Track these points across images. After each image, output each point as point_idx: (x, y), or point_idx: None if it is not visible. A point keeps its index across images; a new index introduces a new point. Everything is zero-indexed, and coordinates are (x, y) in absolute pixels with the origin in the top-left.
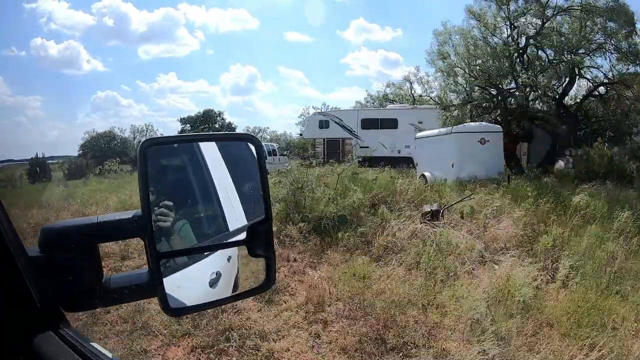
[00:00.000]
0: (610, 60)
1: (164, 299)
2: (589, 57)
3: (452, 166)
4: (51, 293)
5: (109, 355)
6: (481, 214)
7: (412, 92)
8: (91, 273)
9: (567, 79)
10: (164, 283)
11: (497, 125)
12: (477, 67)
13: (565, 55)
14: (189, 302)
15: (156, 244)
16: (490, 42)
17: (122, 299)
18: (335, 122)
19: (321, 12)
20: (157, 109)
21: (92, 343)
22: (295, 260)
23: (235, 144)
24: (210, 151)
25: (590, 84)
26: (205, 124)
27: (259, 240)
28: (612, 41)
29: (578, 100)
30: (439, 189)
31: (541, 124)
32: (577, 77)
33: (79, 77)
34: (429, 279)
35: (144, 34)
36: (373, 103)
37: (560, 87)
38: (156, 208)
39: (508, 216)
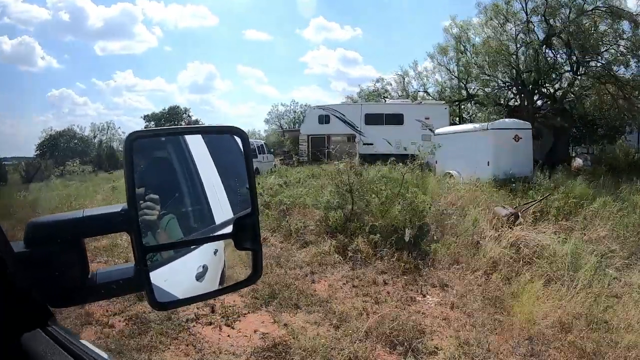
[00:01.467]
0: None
1: (150, 293)
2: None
3: (488, 164)
4: (38, 289)
5: (99, 352)
6: (578, 216)
7: (406, 87)
8: (77, 268)
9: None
10: (151, 277)
11: (528, 123)
12: (500, 63)
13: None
14: (176, 295)
15: (142, 238)
16: (511, 37)
17: (109, 294)
18: (337, 117)
19: (281, 10)
20: (113, 108)
21: (81, 340)
22: (385, 283)
23: (221, 136)
24: (196, 144)
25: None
26: (171, 122)
27: (245, 233)
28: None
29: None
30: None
31: (543, 121)
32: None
33: (33, 74)
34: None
35: (100, 30)
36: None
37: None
38: (142, 202)
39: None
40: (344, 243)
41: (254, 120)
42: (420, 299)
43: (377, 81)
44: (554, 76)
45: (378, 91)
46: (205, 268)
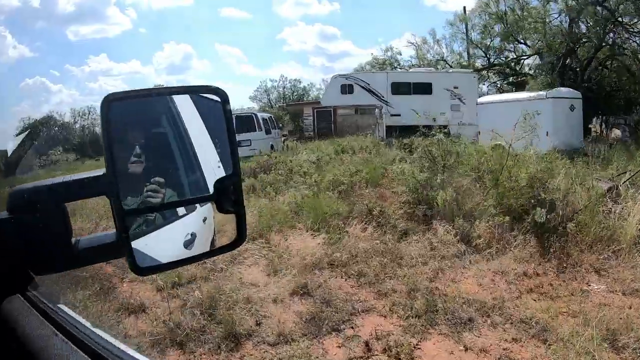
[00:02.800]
0: None
1: (131, 258)
2: None
3: (547, 134)
4: (19, 256)
5: (79, 319)
6: None
7: (423, 55)
8: (60, 234)
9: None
10: (137, 244)
11: (579, 92)
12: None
13: None
14: (161, 261)
15: (122, 202)
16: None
17: (91, 260)
18: (361, 86)
19: None
20: (89, 93)
21: (59, 305)
22: (537, 274)
23: (206, 99)
24: (180, 105)
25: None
26: None
27: (227, 195)
28: None
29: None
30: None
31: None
32: None
33: (6, 64)
34: None
35: (72, 14)
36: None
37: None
38: (147, 184)
39: None
40: (462, 228)
41: (235, 100)
42: (586, 288)
43: (387, 50)
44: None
45: (389, 61)
46: (193, 236)
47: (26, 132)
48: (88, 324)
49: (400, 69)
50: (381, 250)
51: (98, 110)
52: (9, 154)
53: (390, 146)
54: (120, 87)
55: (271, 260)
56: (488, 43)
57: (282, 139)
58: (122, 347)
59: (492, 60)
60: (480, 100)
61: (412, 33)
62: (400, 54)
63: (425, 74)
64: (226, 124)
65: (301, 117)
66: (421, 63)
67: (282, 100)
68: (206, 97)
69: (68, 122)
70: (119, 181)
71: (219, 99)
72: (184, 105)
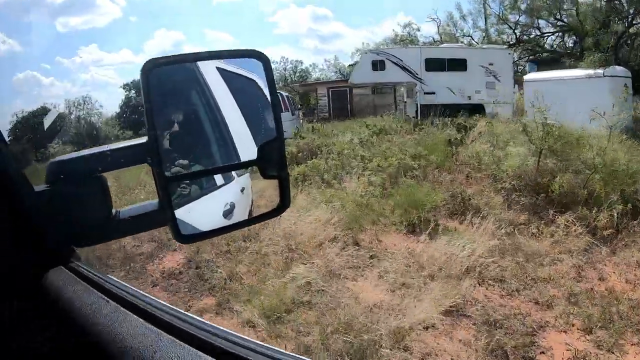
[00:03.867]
0: None
1: (174, 225)
2: None
3: (604, 114)
4: (60, 228)
5: (126, 284)
6: None
7: (443, 31)
8: (100, 204)
9: None
10: (177, 214)
11: (629, 71)
12: None
13: None
14: (202, 229)
15: (164, 169)
16: None
17: (133, 230)
18: (393, 62)
19: None
20: (82, 85)
21: (109, 275)
22: None
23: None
24: (211, 74)
25: None
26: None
27: (270, 159)
28: None
29: None
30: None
31: None
32: None
33: None
34: None
35: (61, 6)
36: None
37: None
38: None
39: None
40: (583, 217)
41: None
42: None
43: (405, 26)
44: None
45: (409, 37)
46: (232, 205)
47: (20, 126)
48: (138, 290)
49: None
50: (507, 248)
51: (93, 100)
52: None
53: (429, 126)
54: (113, 77)
55: (386, 271)
56: (515, 19)
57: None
58: (176, 308)
59: (519, 36)
60: (527, 77)
61: (433, 8)
62: (419, 30)
63: (460, 50)
64: (269, 88)
65: (315, 97)
66: (444, 39)
67: (281, 82)
68: (235, 72)
69: (63, 112)
70: (160, 150)
71: (261, 63)
72: (214, 78)
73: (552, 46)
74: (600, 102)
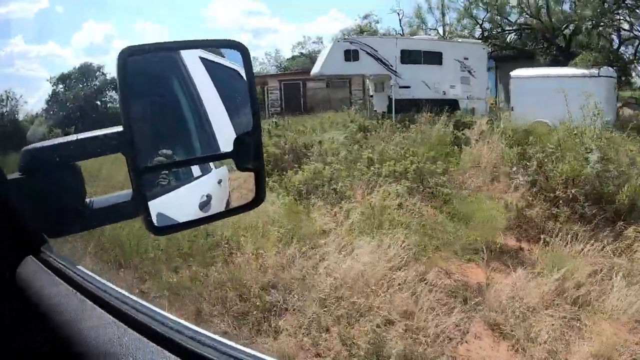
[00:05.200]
0: None
1: (147, 217)
2: None
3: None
4: (31, 217)
5: (97, 278)
6: None
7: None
8: (73, 193)
9: None
10: (152, 205)
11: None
12: None
13: None
14: (177, 220)
15: (138, 159)
16: None
17: (106, 220)
18: (367, 52)
19: None
20: (4, 79)
21: (78, 266)
22: None
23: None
24: (193, 63)
25: None
26: (84, 82)
27: (246, 152)
28: None
29: None
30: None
31: None
32: None
33: None
34: None
35: None
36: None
37: None
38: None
39: None
40: None
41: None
42: None
43: (365, 17)
44: None
45: (369, 28)
46: (209, 197)
47: None
48: (106, 283)
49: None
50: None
51: (17, 95)
52: None
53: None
54: (39, 71)
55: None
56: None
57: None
58: (143, 303)
59: (485, 33)
60: (515, 73)
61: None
62: (378, 22)
63: (436, 43)
64: (247, 80)
65: (265, 91)
66: (406, 33)
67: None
68: (218, 63)
69: None
70: (135, 139)
71: (240, 54)
72: (194, 64)
73: (512, 44)
74: (596, 100)
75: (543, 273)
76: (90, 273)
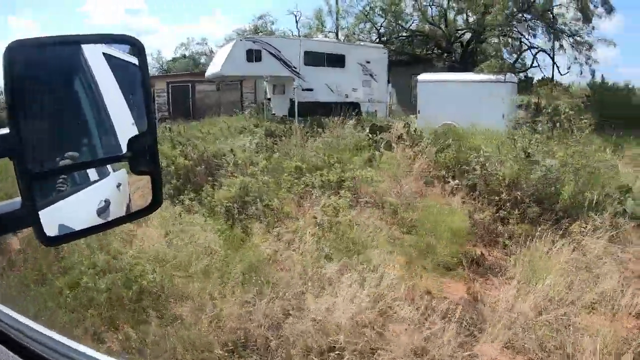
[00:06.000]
0: None
1: (37, 226)
2: None
3: (503, 116)
4: None
5: None
6: None
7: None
8: None
9: None
10: (45, 213)
11: None
12: None
13: None
14: (73, 229)
15: (27, 163)
16: None
17: None
18: (270, 52)
19: None
20: None
21: None
22: None
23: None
24: (92, 60)
25: None
26: None
27: (142, 155)
28: None
29: None
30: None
31: None
32: None
33: None
34: None
35: None
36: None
37: None
38: (58, 159)
39: None
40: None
41: None
42: None
43: (260, 18)
44: None
45: (265, 29)
46: (107, 202)
47: None
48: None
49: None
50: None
51: None
52: None
53: (314, 128)
54: None
55: None
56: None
57: None
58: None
59: (383, 37)
60: (422, 77)
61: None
62: (274, 23)
63: (340, 45)
64: (141, 76)
65: (152, 94)
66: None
67: None
68: (122, 59)
69: None
70: (24, 142)
71: (135, 50)
72: (96, 61)
73: (405, 50)
74: (502, 104)
75: (526, 280)
76: None
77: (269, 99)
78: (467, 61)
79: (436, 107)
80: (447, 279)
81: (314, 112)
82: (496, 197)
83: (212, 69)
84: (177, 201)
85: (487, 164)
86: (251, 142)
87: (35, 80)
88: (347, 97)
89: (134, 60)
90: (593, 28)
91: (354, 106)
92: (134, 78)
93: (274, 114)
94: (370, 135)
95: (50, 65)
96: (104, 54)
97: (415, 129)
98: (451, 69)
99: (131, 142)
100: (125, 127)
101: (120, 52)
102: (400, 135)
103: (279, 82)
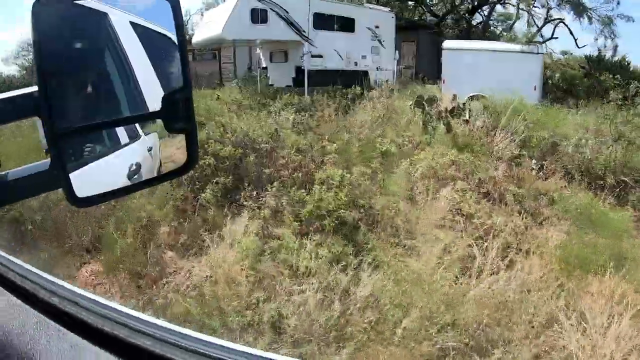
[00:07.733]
0: None
1: (68, 186)
2: None
3: (535, 88)
4: None
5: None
6: None
7: None
8: None
9: None
10: (76, 175)
11: None
12: None
13: None
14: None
15: (55, 122)
16: None
17: (24, 194)
18: (278, 14)
19: None
20: None
21: None
22: None
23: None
24: (126, 28)
25: None
26: None
27: (176, 111)
28: None
29: None
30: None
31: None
32: None
33: None
34: None
35: None
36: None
37: None
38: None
39: None
40: None
41: None
42: None
43: None
44: None
45: None
46: (138, 166)
47: None
48: (8, 256)
49: None
50: None
51: None
52: None
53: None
54: None
55: None
56: None
57: None
58: (44, 277)
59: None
60: (447, 45)
61: None
62: None
63: (350, 8)
64: (177, 32)
65: None
66: None
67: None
68: (151, 29)
69: None
70: (52, 100)
71: (169, 5)
72: (121, 23)
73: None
74: (534, 76)
75: None
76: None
77: (265, 68)
78: (474, 29)
79: (464, 77)
80: None
81: (322, 82)
82: (600, 182)
83: (207, 33)
84: (237, 211)
85: (585, 147)
86: (287, 120)
87: (62, 38)
88: (356, 64)
89: (160, 29)
90: (618, 3)
91: (363, 74)
92: (161, 44)
93: (272, 84)
94: (421, 109)
95: (77, 24)
96: (130, 22)
97: (464, 102)
98: (459, 37)
99: (166, 98)
100: (152, 89)
101: (147, 22)
102: (452, 109)
103: (279, 49)
